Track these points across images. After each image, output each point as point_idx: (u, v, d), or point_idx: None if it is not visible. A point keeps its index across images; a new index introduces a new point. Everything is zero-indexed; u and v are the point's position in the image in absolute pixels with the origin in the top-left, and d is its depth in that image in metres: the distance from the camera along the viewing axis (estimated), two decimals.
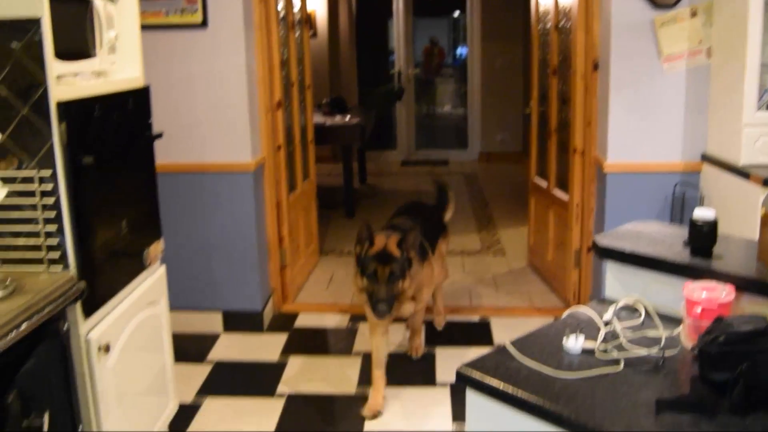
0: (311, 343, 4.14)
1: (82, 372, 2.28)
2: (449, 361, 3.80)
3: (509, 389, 1.67)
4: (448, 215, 4.45)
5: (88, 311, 2.31)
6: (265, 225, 4.41)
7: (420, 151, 10.53)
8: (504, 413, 1.71)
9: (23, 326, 1.92)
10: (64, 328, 2.18)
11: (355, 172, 7.61)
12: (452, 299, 4.67)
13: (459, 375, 1.77)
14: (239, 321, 4.29)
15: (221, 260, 4.23)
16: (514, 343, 1.87)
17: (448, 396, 3.47)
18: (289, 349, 4.04)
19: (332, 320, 4.43)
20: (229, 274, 4.25)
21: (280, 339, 4.18)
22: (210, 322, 4.30)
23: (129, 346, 2.58)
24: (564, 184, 4.59)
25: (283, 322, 4.44)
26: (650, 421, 1.52)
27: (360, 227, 3.21)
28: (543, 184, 5.04)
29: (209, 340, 4.17)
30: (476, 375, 1.73)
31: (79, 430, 2.15)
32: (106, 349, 2.36)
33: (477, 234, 6.36)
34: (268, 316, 4.42)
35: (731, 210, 3.30)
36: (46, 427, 1.84)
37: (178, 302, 3.91)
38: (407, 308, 3.50)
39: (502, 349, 1.85)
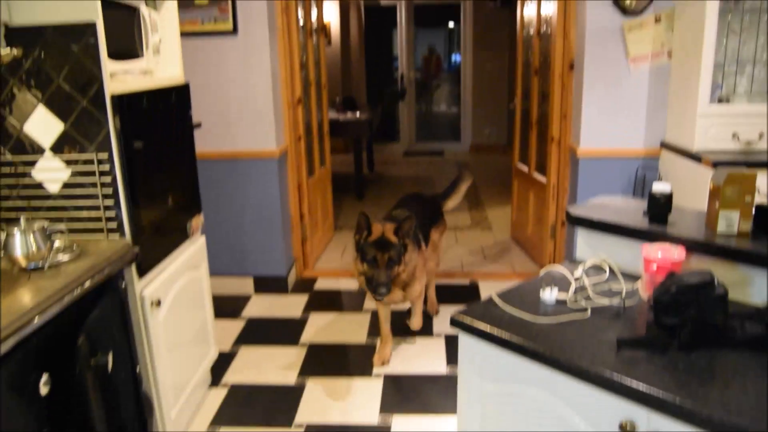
0: (328, 302, 4.18)
1: (137, 322, 2.33)
2: (444, 316, 3.84)
3: (495, 331, 1.70)
4: (450, 204, 4.09)
5: (142, 272, 2.36)
6: (289, 203, 4.43)
7: (420, 143, 10.51)
8: (490, 351, 1.75)
9: (87, 284, 1.97)
10: (122, 285, 2.22)
11: (364, 161, 7.61)
12: (446, 266, 4.71)
13: (453, 320, 1.80)
14: (267, 284, 4.34)
15: (252, 233, 4.26)
16: (500, 295, 1.91)
17: (443, 345, 3.52)
18: (309, 308, 4.09)
19: (345, 284, 4.47)
20: (258, 245, 4.28)
21: (302, 299, 4.22)
22: (243, 285, 4.34)
23: (176, 303, 2.62)
24: (542, 168, 4.60)
25: (305, 285, 4.48)
26: (611, 356, 1.55)
27: (358, 217, 2.99)
28: (524, 168, 5.04)
29: (242, 301, 4.21)
30: (467, 320, 1.77)
31: (137, 370, 2.19)
32: (158, 303, 2.40)
33: (468, 212, 6.38)
34: (291, 280, 4.46)
35: (685, 189, 3.30)
36: (110, 365, 1.88)
37: (216, 269, 3.97)
38: (398, 295, 3.26)
39: (489, 300, 1.88)
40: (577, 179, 4.01)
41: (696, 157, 3.33)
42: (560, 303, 1.85)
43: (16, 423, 1.68)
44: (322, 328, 3.79)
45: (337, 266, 4.84)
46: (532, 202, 4.83)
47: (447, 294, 4.15)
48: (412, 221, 3.04)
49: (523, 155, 5.16)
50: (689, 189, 3.31)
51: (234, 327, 3.82)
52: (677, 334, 1.60)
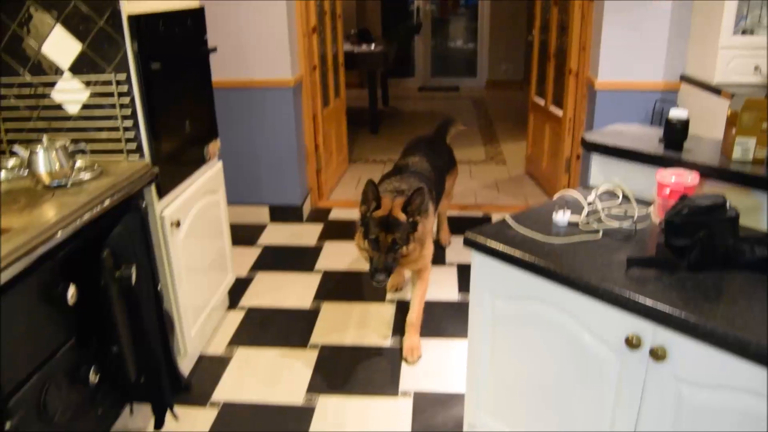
0: (342, 231, 4.23)
1: (158, 243, 2.39)
2: (457, 246, 3.89)
3: (507, 250, 1.74)
4: (450, 133, 3.83)
5: (161, 194, 2.40)
6: (304, 133, 4.43)
7: (435, 78, 10.35)
8: (502, 270, 1.79)
9: (109, 201, 2.02)
10: (143, 205, 2.27)
11: (379, 96, 7.54)
12: (460, 199, 4.73)
13: (467, 239, 1.84)
14: (283, 213, 4.39)
15: (268, 163, 4.29)
16: (513, 217, 1.93)
17: (455, 273, 3.57)
18: (324, 236, 4.15)
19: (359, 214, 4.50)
20: (274, 175, 4.31)
21: (316, 228, 4.28)
22: (259, 214, 4.40)
23: (195, 225, 2.68)
24: (559, 101, 4.55)
25: (319, 215, 4.53)
26: (621, 275, 1.58)
27: (365, 186, 2.58)
28: (541, 102, 4.99)
29: (259, 229, 4.28)
30: (480, 239, 1.80)
31: (159, 288, 2.26)
32: (177, 224, 2.46)
33: (482, 147, 6.35)
34: (306, 210, 4.51)
35: (704, 123, 3.27)
36: (134, 277, 1.94)
37: (233, 198, 4.02)
38: (400, 277, 3.30)
39: (502, 221, 1.91)
40: (594, 112, 3.97)
41: (716, 90, 3.28)
42: (572, 225, 1.87)
43: (48, 330, 1.76)
44: (336, 256, 3.86)
45: (350, 197, 4.87)
46: (548, 136, 4.80)
47: (459, 225, 4.18)
48: (423, 195, 2.59)
49: (539, 88, 5.10)
50: (708, 123, 3.27)
51: (250, 254, 3.89)
52: (687, 255, 1.62)
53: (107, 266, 1.86)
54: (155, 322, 2.21)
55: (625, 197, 2.04)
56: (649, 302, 1.45)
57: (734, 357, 1.35)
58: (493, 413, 2.04)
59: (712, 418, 1.44)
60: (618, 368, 1.58)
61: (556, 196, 2.10)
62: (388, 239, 2.53)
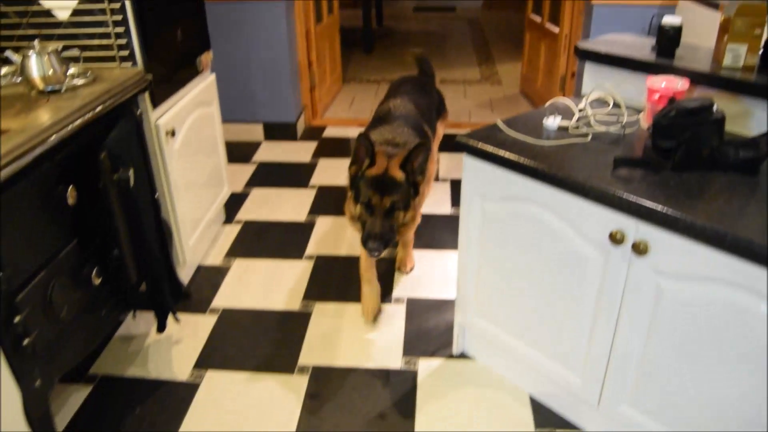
0: (336, 149, 4.25)
1: (154, 152, 2.40)
2: (450, 163, 3.92)
3: (498, 152, 1.78)
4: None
5: (155, 102, 2.40)
6: (297, 50, 4.38)
7: None
8: (492, 172, 1.83)
9: (103, 107, 2.02)
10: (138, 112, 2.27)
11: (373, 16, 7.39)
12: (455, 118, 4.73)
13: (458, 142, 1.87)
14: (277, 131, 4.39)
15: (261, 80, 4.25)
16: (504, 121, 1.96)
17: (449, 189, 3.63)
18: (318, 154, 4.17)
19: (354, 132, 4.50)
20: (267, 92, 4.29)
21: (311, 146, 4.30)
22: (253, 132, 4.40)
23: (189, 135, 2.69)
24: (556, 18, 4.49)
25: (313, 133, 4.53)
26: (607, 174, 1.63)
27: (357, 142, 2.19)
28: (537, 19, 4.91)
29: (253, 147, 4.29)
30: (472, 142, 1.84)
31: (156, 196, 2.29)
32: (172, 133, 2.47)
33: (477, 67, 6.29)
34: (300, 128, 4.51)
35: (699, 37, 3.25)
36: (132, 180, 1.98)
37: (227, 116, 4.02)
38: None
39: (493, 126, 1.94)
40: (591, 28, 3.92)
41: (714, 5, 3.24)
42: (562, 130, 1.91)
43: (50, 230, 1.81)
44: (331, 172, 3.89)
45: (345, 116, 4.86)
46: (543, 54, 4.75)
47: (452, 142, 4.19)
48: (425, 152, 2.21)
49: (536, 6, 5.01)
50: (703, 37, 3.25)
51: (245, 171, 3.92)
52: (672, 156, 1.67)
53: (105, 168, 1.89)
54: (154, 229, 2.26)
55: (616, 104, 2.07)
56: (633, 198, 1.50)
57: (711, 249, 1.41)
58: (482, 313, 2.13)
59: (689, 309, 1.51)
60: (601, 264, 1.65)
61: (547, 104, 2.12)
62: (384, 202, 2.16)
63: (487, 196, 1.89)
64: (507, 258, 1.94)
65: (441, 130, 3.19)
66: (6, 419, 1.59)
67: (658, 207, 1.46)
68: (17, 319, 1.63)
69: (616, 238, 1.57)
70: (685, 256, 1.47)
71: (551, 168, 1.66)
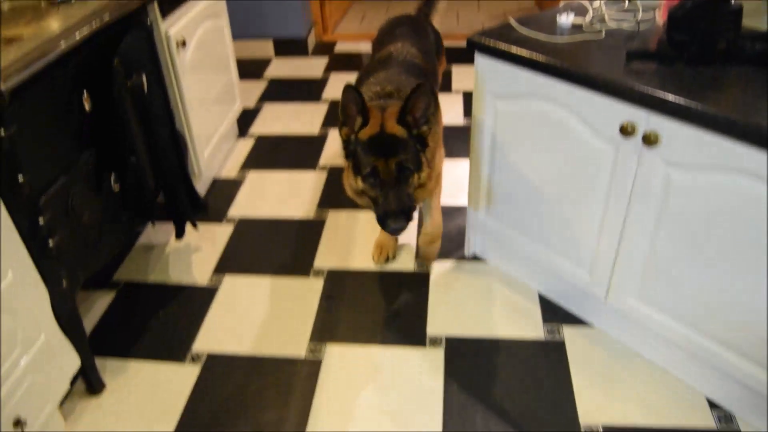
0: (348, 63, 4.21)
1: (165, 62, 2.40)
2: (462, 74, 3.87)
3: (510, 48, 1.77)
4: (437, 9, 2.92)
5: (164, 12, 2.38)
6: None
7: None
8: (504, 69, 1.83)
9: (107, 16, 2.01)
10: (148, 22, 2.26)
11: None
12: (467, 30, 4.63)
13: (470, 41, 1.86)
14: (287, 47, 4.35)
15: None
16: (517, 20, 1.94)
17: (461, 100, 3.61)
18: (330, 68, 4.14)
19: (365, 47, 4.45)
20: (277, 6, 4.21)
21: (322, 61, 4.26)
22: (263, 48, 4.36)
23: (200, 48, 2.68)
24: None
25: (324, 48, 4.48)
26: (620, 67, 1.62)
27: (344, 95, 1.80)
28: None
29: (263, 63, 4.26)
30: (485, 41, 1.83)
31: (170, 107, 2.31)
32: (183, 44, 2.46)
33: None
34: (311, 43, 4.46)
35: None
36: (145, 85, 2.00)
37: (237, 32, 3.93)
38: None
39: (506, 25, 1.92)
40: None
41: None
42: (576, 27, 1.88)
43: (68, 136, 1.85)
44: (341, 86, 3.85)
45: (356, 31, 4.78)
46: None
47: (465, 55, 4.14)
48: (427, 94, 1.80)
49: None
50: None
51: (257, 87, 3.91)
52: (687, 50, 1.65)
53: (119, 74, 1.91)
54: (169, 137, 2.29)
55: (631, 1, 2.03)
56: (644, 89, 1.50)
57: (722, 137, 1.41)
58: (492, 213, 2.17)
59: (698, 199, 1.54)
60: (612, 158, 1.67)
61: (561, 3, 2.08)
62: (391, 166, 1.79)
63: (500, 94, 1.89)
64: (518, 156, 1.96)
65: (440, 71, 2.76)
66: (37, 318, 1.67)
67: (670, 96, 1.46)
68: (41, 221, 1.69)
69: (626, 131, 1.57)
70: (695, 146, 1.48)
71: (563, 63, 1.65)
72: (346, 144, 1.89)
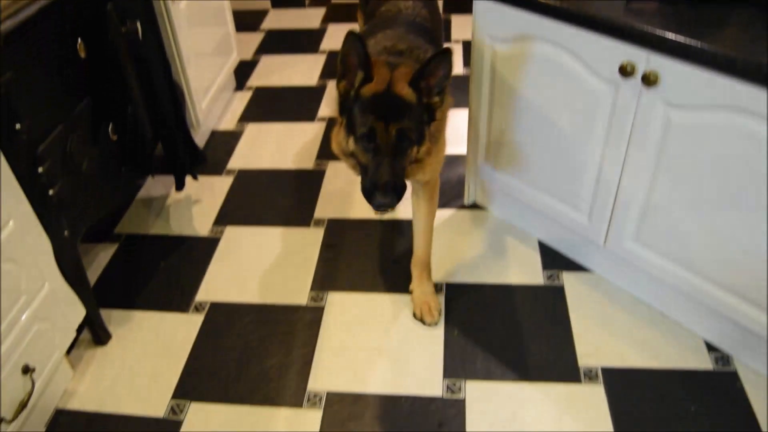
0: (346, 14, 4.12)
1: (160, 11, 2.37)
2: (461, 24, 3.82)
3: None
4: None
5: None
6: None
7: None
8: (502, 11, 1.82)
9: None
10: None
11: None
12: None
13: None
14: None
15: None
16: None
17: (461, 50, 3.56)
18: (327, 19, 4.08)
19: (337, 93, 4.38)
20: None
21: (319, 12, 4.19)
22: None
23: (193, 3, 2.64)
24: None
25: None
26: (620, 7, 1.60)
27: (344, 44, 1.59)
28: None
29: (260, 15, 4.19)
30: None
31: (165, 56, 2.29)
32: None
33: None
34: None
35: None
36: (140, 32, 1.98)
37: None
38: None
39: None
40: None
41: None
42: None
43: (64, 84, 1.83)
44: (341, 36, 3.76)
45: None
46: None
47: (464, 3, 4.07)
48: (451, 64, 1.58)
49: None
50: None
51: (254, 39, 3.86)
52: None
53: (113, 20, 1.88)
54: (166, 87, 2.27)
55: None
56: (644, 28, 1.48)
57: (722, 76, 1.41)
58: (492, 161, 2.17)
59: (697, 139, 1.53)
60: (611, 99, 1.66)
61: None
62: (391, 132, 1.56)
63: (498, 37, 1.87)
64: (517, 101, 1.94)
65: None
66: (40, 267, 1.69)
67: (669, 35, 1.45)
68: (41, 169, 1.70)
69: (626, 71, 1.56)
70: (695, 85, 1.47)
71: (561, 3, 1.63)
72: (343, 99, 1.66)
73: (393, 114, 1.57)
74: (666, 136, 1.58)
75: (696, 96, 1.48)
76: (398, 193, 1.59)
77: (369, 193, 1.60)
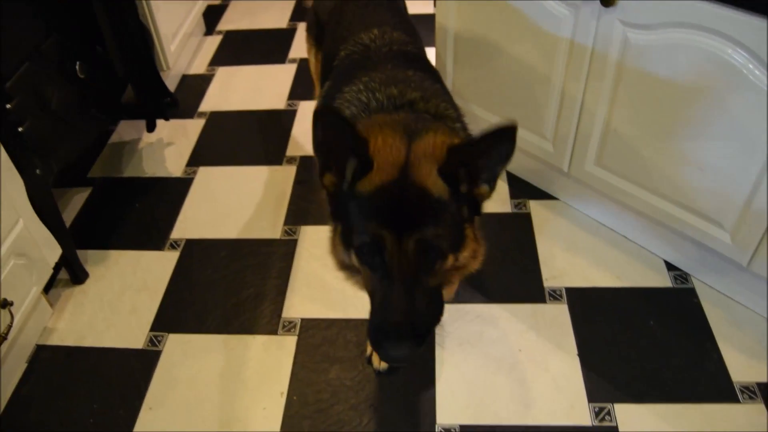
0: None
1: None
2: None
3: None
4: None
5: None
6: None
7: None
8: None
9: None
10: None
11: None
12: None
13: None
14: None
15: None
16: None
17: None
18: None
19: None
20: None
21: None
22: None
23: None
24: None
25: None
26: None
27: (318, 123, 1.05)
28: None
29: None
30: None
31: None
32: None
33: None
34: None
35: None
36: None
37: None
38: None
39: None
40: None
41: None
42: None
43: (30, 21, 1.83)
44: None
45: None
46: None
47: None
48: (510, 138, 1.03)
49: None
50: None
51: None
52: None
53: None
54: (135, 27, 2.26)
55: None
56: None
57: None
58: (458, 92, 2.18)
59: (655, 59, 1.58)
60: (572, 22, 1.70)
61: None
62: (407, 245, 1.05)
63: None
64: (480, 29, 1.97)
65: None
66: (14, 204, 1.71)
67: None
68: (9, 106, 1.71)
69: None
70: (653, 3, 1.50)
71: None
72: (333, 198, 1.17)
73: (410, 219, 1.05)
74: (624, 58, 1.63)
75: (655, 15, 1.51)
76: (418, 339, 1.07)
77: (375, 338, 1.09)
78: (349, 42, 1.58)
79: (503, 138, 1.02)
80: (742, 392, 1.63)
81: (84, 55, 2.07)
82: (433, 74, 1.49)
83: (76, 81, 2.04)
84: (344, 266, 1.23)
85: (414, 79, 1.35)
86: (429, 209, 1.06)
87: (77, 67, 2.02)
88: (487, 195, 1.14)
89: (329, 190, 1.16)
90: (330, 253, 1.25)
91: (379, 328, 1.07)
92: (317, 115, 1.04)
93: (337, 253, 1.21)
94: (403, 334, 1.05)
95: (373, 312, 1.12)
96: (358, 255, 1.11)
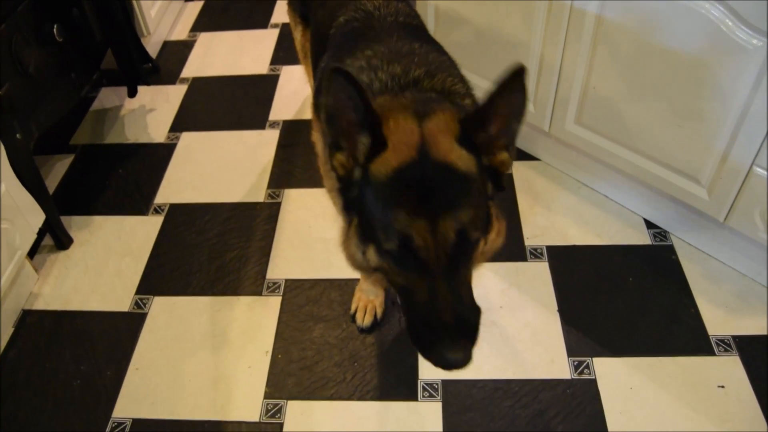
0: None
1: None
2: None
3: None
4: None
5: None
6: None
7: None
8: None
9: None
10: None
11: None
12: None
13: None
14: None
15: None
16: None
17: None
18: None
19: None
20: None
21: None
22: None
23: None
24: None
25: None
26: None
27: (330, 86, 0.93)
28: None
29: None
30: None
31: None
32: None
33: None
34: None
35: None
36: None
37: None
38: None
39: None
40: None
41: None
42: None
43: None
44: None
45: None
46: None
47: None
48: (520, 89, 0.95)
49: None
50: None
51: None
52: None
53: None
54: None
55: None
56: None
57: None
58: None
59: (632, 18, 1.58)
60: None
61: None
62: (446, 232, 0.95)
63: None
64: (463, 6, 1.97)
65: None
66: None
67: None
68: None
69: None
70: None
71: None
72: (344, 184, 1.06)
73: (441, 203, 0.95)
74: (603, 15, 1.63)
75: None
76: (472, 335, 1.00)
77: (429, 345, 0.99)
78: (349, 7, 1.48)
79: (512, 89, 0.94)
80: (718, 345, 1.67)
81: (61, 17, 2.04)
82: (439, 47, 1.42)
83: (54, 44, 2.01)
84: (358, 265, 1.11)
85: (419, 52, 1.27)
86: (460, 188, 0.96)
87: (54, 29, 1.99)
88: (509, 163, 1.04)
89: (339, 172, 1.04)
90: (342, 249, 1.12)
91: (429, 332, 0.97)
92: (332, 74, 0.92)
93: (351, 250, 1.08)
94: (459, 334, 0.96)
95: (412, 314, 1.01)
96: (385, 256, 1.00)
